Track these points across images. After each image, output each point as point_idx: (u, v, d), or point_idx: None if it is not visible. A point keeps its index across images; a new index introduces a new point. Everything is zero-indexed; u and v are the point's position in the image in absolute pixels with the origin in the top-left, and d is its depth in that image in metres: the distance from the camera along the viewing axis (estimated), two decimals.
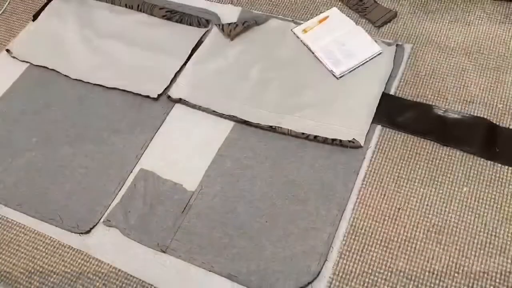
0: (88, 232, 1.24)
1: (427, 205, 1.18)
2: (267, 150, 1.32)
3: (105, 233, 1.23)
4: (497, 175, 1.21)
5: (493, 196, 1.18)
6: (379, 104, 1.35)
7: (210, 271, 1.15)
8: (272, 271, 1.13)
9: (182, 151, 1.35)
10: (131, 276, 1.17)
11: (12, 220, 1.29)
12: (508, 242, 1.12)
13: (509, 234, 1.13)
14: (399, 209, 1.19)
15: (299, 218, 1.19)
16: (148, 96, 1.46)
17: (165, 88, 1.47)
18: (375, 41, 1.48)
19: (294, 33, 1.55)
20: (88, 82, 1.52)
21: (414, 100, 1.37)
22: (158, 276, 1.16)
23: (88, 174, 1.33)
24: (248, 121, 1.36)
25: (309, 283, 1.11)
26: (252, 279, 1.13)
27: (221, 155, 1.32)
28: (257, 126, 1.35)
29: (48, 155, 1.38)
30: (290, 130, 1.32)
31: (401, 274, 1.10)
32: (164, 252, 1.18)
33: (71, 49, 1.61)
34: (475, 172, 1.22)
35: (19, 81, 1.57)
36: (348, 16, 1.57)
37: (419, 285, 1.09)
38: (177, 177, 1.30)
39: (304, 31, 1.54)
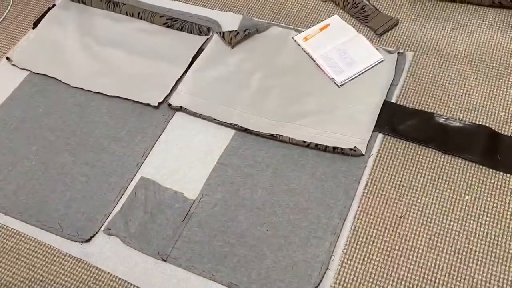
0: (88, 240, 1.26)
1: (428, 213, 1.20)
2: (268, 159, 1.34)
3: (106, 241, 1.25)
4: (499, 183, 1.23)
5: (495, 205, 1.20)
6: (380, 112, 1.37)
7: (210, 279, 1.17)
8: (273, 280, 1.15)
9: (183, 160, 1.37)
10: (131, 285, 1.19)
11: (12, 228, 1.31)
12: (510, 251, 1.14)
13: (511, 243, 1.14)
14: (400, 217, 1.21)
15: (300, 226, 1.21)
16: (148, 104, 1.48)
17: (166, 96, 1.50)
18: (377, 49, 1.51)
19: (295, 40, 1.58)
20: (89, 90, 1.55)
21: (416, 108, 1.39)
22: (159, 285, 1.18)
23: (88, 183, 1.35)
24: (249, 129, 1.38)
25: None
26: (253, 287, 1.15)
27: (222, 163, 1.35)
28: (258, 134, 1.38)
29: (48, 163, 1.41)
30: (291, 138, 1.34)
31: (403, 282, 1.12)
32: (164, 260, 1.20)
33: (71, 57, 1.64)
34: (477, 181, 1.24)
35: (19, 89, 1.60)
36: (350, 24, 1.60)
37: None
38: (178, 185, 1.32)
39: (305, 39, 1.57)
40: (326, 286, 1.13)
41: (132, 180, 1.35)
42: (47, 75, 1.61)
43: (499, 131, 1.32)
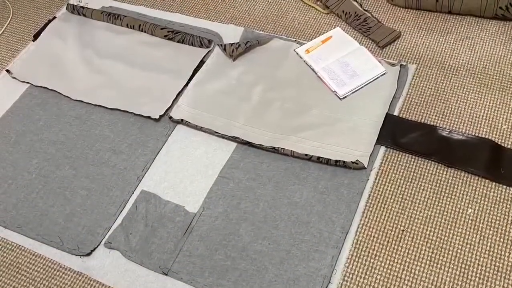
0: (89, 254, 1.29)
1: (431, 227, 1.24)
2: (270, 172, 1.38)
3: (106, 255, 1.29)
4: (502, 196, 1.27)
5: (498, 218, 1.24)
6: (383, 125, 1.41)
7: None
8: None
9: (184, 173, 1.41)
10: None
11: (12, 242, 1.35)
12: None
13: None
14: (403, 231, 1.24)
15: (302, 240, 1.25)
16: (149, 117, 1.53)
17: (167, 109, 1.54)
18: (379, 61, 1.55)
19: (297, 53, 1.63)
20: (89, 103, 1.59)
21: (418, 120, 1.43)
22: None
23: (89, 196, 1.39)
24: (250, 142, 1.42)
25: None
26: None
27: (223, 176, 1.39)
28: (260, 147, 1.42)
29: (48, 176, 1.45)
30: (293, 151, 1.38)
31: None
32: (165, 274, 1.24)
33: (72, 70, 1.69)
34: (480, 194, 1.28)
35: (19, 102, 1.64)
36: (352, 36, 1.65)
37: None
38: (179, 199, 1.36)
39: (307, 51, 1.62)
40: None
41: (133, 193, 1.39)
42: (48, 88, 1.65)
43: (502, 144, 1.36)
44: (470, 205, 1.26)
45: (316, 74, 1.56)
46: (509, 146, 1.35)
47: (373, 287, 1.17)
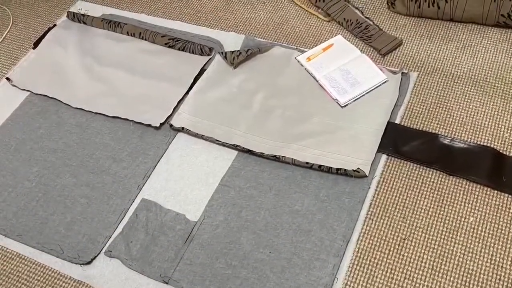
0: (89, 263, 1.31)
1: (432, 235, 1.26)
2: (271, 180, 1.40)
3: (107, 264, 1.31)
4: (504, 205, 1.29)
5: (500, 227, 1.26)
6: (384, 133, 1.44)
7: None
8: None
9: (185, 181, 1.43)
10: None
11: (12, 251, 1.37)
12: None
13: None
14: (404, 239, 1.26)
15: (303, 248, 1.27)
16: (150, 125, 1.55)
17: (168, 117, 1.56)
18: (380, 69, 1.58)
19: (298, 61, 1.65)
20: (90, 111, 1.62)
21: (420, 129, 1.45)
22: None
23: (89, 204, 1.42)
24: (251, 151, 1.45)
25: None
26: None
27: (224, 184, 1.41)
28: (261, 155, 1.44)
29: (48, 184, 1.47)
30: (294, 159, 1.41)
31: None
32: (166, 283, 1.26)
33: (72, 78, 1.71)
34: (482, 202, 1.30)
35: (20, 110, 1.67)
36: (353, 44, 1.68)
37: None
38: (180, 207, 1.38)
39: (308, 59, 1.64)
40: None
41: (133, 201, 1.41)
42: (48, 96, 1.68)
43: (504, 152, 1.38)
44: (471, 214, 1.28)
45: (317, 82, 1.59)
46: (511, 155, 1.38)
47: None
